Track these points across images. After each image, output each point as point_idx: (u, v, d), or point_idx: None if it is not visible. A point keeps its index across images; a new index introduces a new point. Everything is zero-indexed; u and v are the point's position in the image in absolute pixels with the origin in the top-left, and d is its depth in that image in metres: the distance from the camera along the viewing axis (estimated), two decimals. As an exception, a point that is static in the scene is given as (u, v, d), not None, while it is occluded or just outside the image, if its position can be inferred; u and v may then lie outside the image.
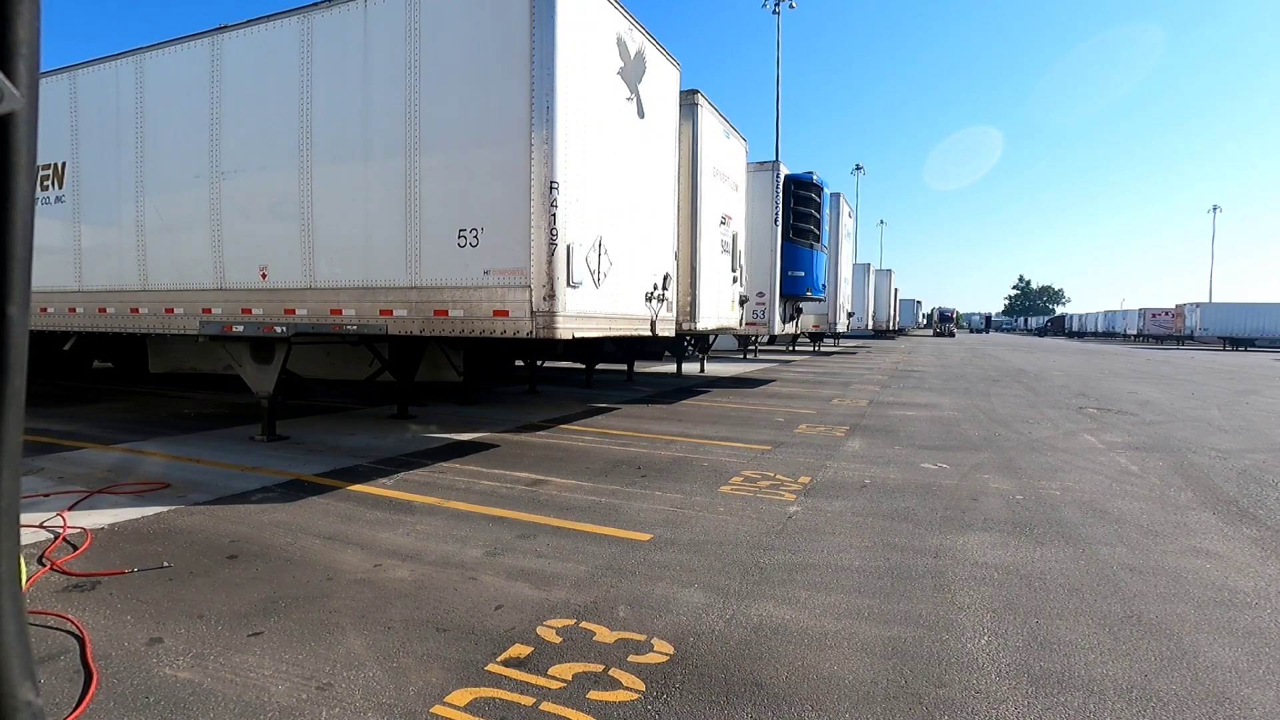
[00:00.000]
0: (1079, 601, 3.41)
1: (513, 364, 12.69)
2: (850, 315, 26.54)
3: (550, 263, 5.72)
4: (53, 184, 8.44)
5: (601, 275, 6.54)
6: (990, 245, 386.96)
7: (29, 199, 0.45)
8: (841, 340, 39.93)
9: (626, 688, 2.55)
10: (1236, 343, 46.43)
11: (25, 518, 4.27)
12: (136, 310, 7.93)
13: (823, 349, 30.81)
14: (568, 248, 5.86)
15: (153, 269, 7.76)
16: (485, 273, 5.90)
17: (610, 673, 2.66)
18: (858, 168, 60.78)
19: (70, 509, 4.62)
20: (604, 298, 6.61)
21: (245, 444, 7.02)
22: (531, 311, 5.73)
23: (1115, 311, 69.18)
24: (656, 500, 5.14)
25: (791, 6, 30.34)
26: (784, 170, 14.32)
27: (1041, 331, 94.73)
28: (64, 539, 4.04)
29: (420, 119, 6.12)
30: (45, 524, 4.28)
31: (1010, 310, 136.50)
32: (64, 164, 8.36)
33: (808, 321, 20.14)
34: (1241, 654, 2.90)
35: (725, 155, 11.09)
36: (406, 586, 3.46)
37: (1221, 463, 6.89)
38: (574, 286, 5.99)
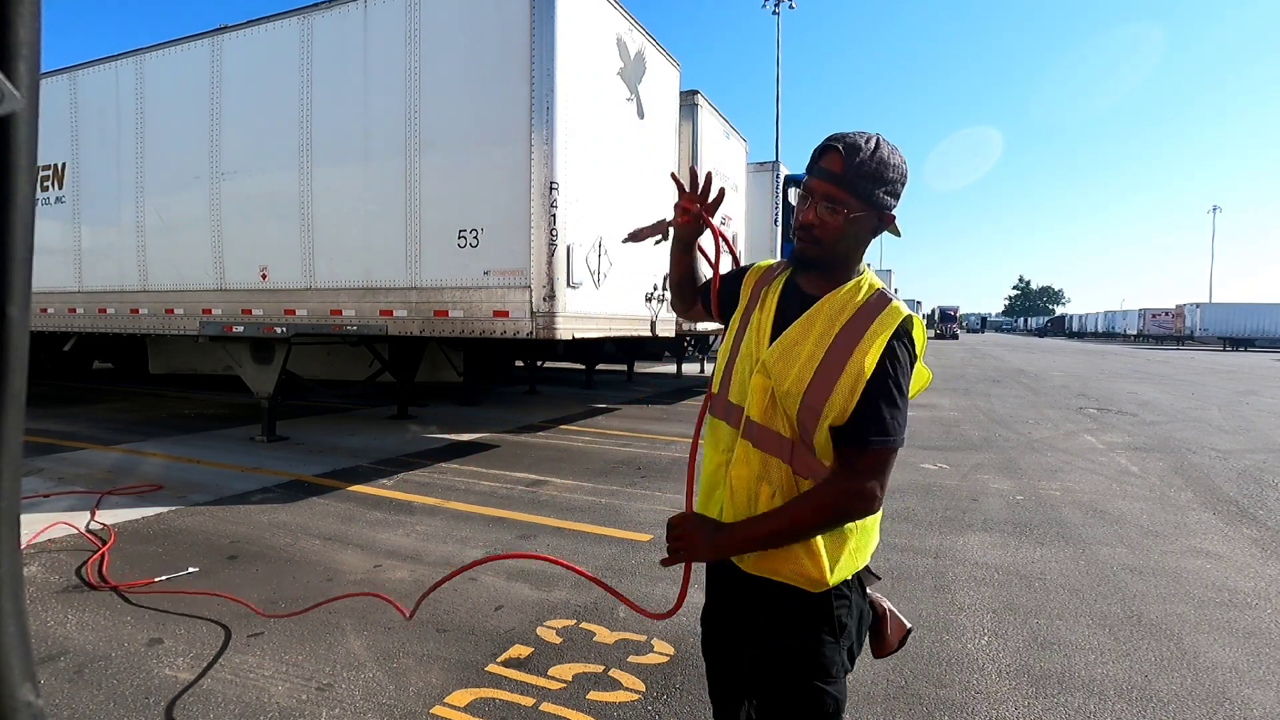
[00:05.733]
0: (1079, 602, 3.41)
1: (513, 364, 12.69)
2: (850, 316, 26.38)
3: (550, 263, 5.71)
4: (53, 184, 8.44)
5: (601, 275, 6.54)
6: (990, 245, 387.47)
7: (29, 199, 0.45)
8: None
9: (626, 688, 2.55)
10: (1236, 343, 46.38)
11: (32, 518, 4.26)
12: (137, 311, 7.93)
13: (823, 349, 30.74)
14: (568, 248, 5.86)
15: (153, 269, 7.76)
16: (485, 273, 5.89)
17: (610, 673, 2.66)
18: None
19: (70, 510, 4.62)
20: (604, 298, 6.61)
21: (245, 444, 7.02)
22: (531, 312, 5.73)
23: (1115, 312, 69.08)
24: (657, 501, 5.14)
25: (791, 7, 30.27)
26: (784, 171, 14.30)
27: (1041, 332, 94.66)
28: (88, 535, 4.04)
29: (420, 119, 6.12)
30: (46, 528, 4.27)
31: (1010, 310, 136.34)
32: (64, 164, 8.36)
33: (808, 322, 20.09)
34: (1241, 654, 2.90)
35: (725, 155, 11.09)
36: (407, 587, 3.46)
37: (1221, 463, 6.89)
38: (574, 287, 5.99)
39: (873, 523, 1.38)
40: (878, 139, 1.31)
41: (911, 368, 1.32)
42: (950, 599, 3.42)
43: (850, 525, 1.32)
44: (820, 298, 1.34)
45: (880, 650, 1.48)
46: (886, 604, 1.49)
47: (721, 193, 1.55)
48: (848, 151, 1.28)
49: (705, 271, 1.70)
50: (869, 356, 1.26)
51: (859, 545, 1.35)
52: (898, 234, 1.39)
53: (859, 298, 1.32)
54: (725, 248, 1.61)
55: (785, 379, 1.31)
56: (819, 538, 1.29)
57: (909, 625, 1.49)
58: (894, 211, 1.35)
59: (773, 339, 1.37)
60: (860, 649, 1.43)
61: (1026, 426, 9.06)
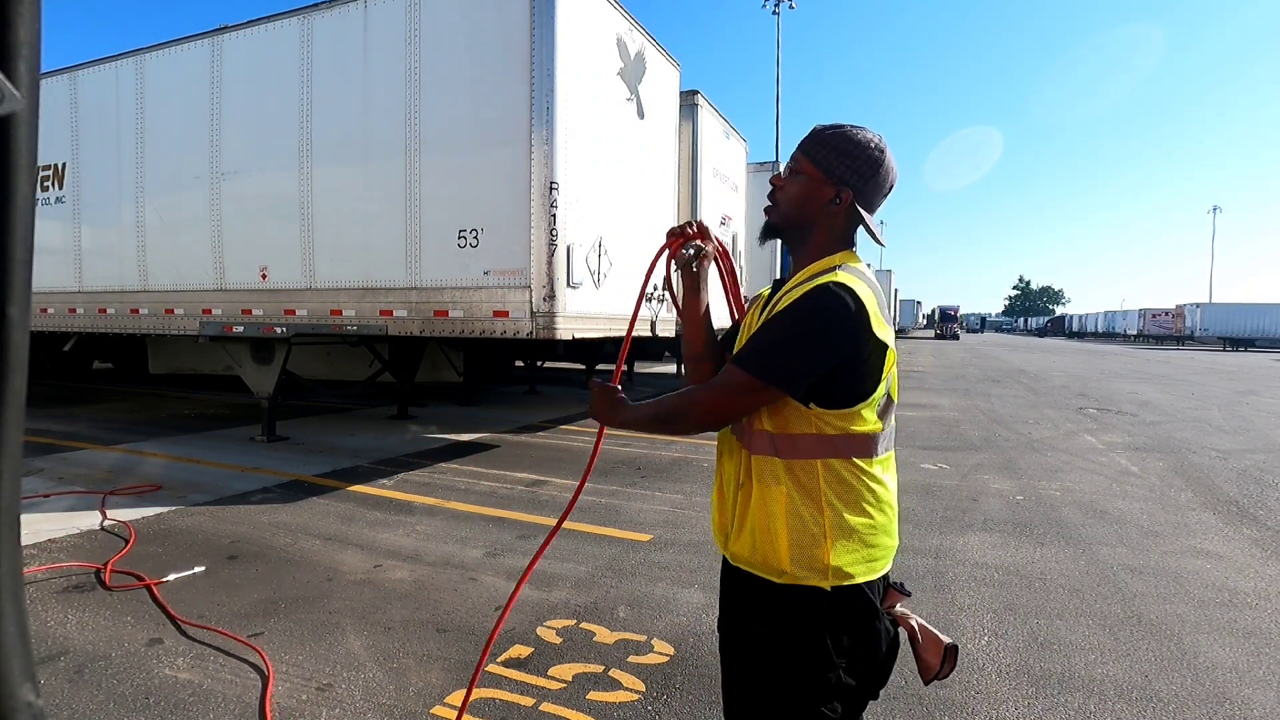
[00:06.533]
0: (1079, 602, 3.41)
1: (513, 364, 12.69)
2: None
3: (550, 263, 5.71)
4: (53, 184, 8.44)
5: (601, 276, 6.53)
6: (990, 245, 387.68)
7: (29, 199, 0.45)
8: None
9: (626, 688, 2.55)
10: (1236, 343, 46.36)
11: (37, 518, 4.26)
12: (137, 311, 7.93)
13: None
14: (568, 248, 5.86)
15: (153, 269, 7.76)
16: (485, 273, 5.89)
17: (610, 673, 2.66)
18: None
19: (71, 510, 4.62)
20: (604, 298, 6.60)
21: (245, 444, 7.02)
22: (531, 312, 5.73)
23: (1115, 312, 69.10)
24: (656, 501, 5.14)
25: (791, 7, 30.27)
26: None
27: (1041, 332, 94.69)
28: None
29: (420, 119, 6.12)
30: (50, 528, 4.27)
31: (1010, 310, 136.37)
32: (64, 164, 8.36)
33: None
34: (1242, 654, 2.90)
35: (725, 155, 11.08)
36: (406, 587, 3.46)
37: (1221, 463, 6.89)
38: (574, 287, 5.99)
39: (858, 523, 1.27)
40: (861, 127, 1.34)
41: (834, 326, 1.21)
42: (950, 599, 3.42)
43: (815, 518, 1.25)
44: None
45: (923, 673, 1.38)
46: (915, 621, 1.39)
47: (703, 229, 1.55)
48: (819, 127, 1.35)
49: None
50: (783, 303, 1.27)
51: (840, 550, 1.25)
52: (869, 230, 1.34)
53: (815, 269, 1.31)
54: (727, 269, 1.60)
55: None
56: (779, 523, 1.26)
57: (948, 640, 1.37)
58: (856, 193, 1.31)
59: None
60: (885, 673, 1.35)
61: (1026, 426, 9.06)
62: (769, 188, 1.43)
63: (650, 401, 1.39)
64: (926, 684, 1.40)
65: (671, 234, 1.55)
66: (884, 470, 1.32)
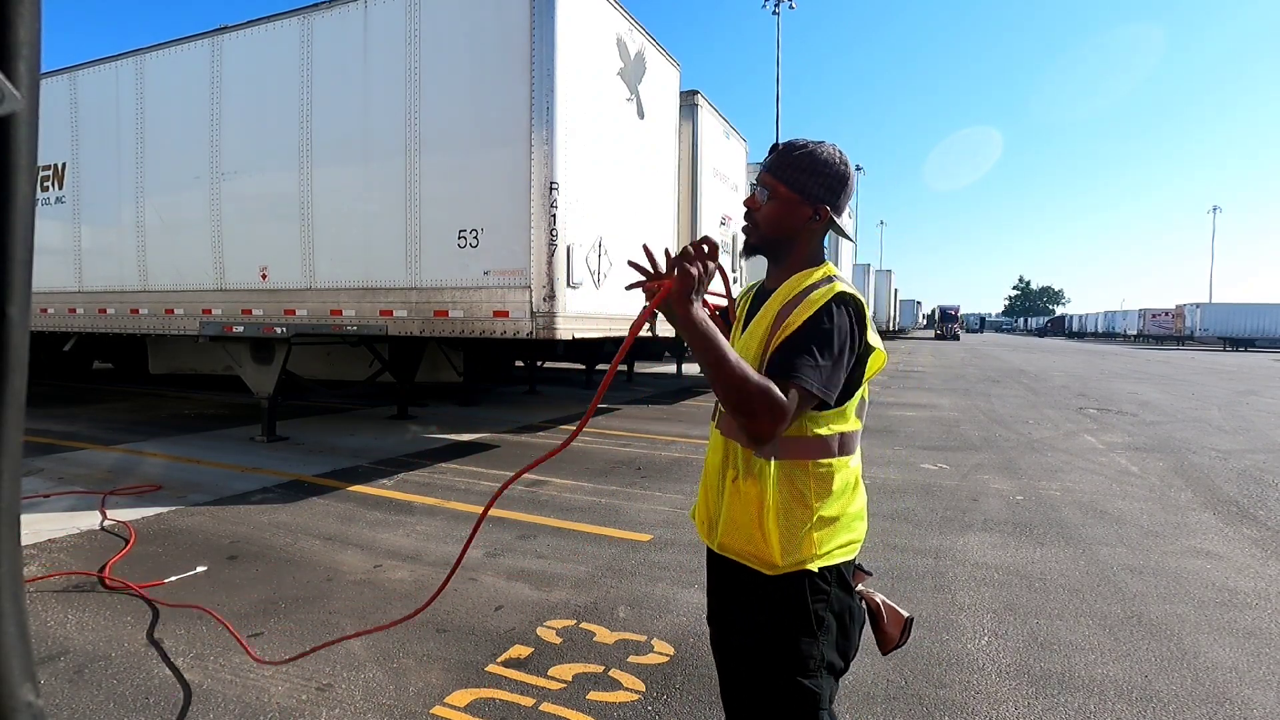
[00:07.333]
0: (1079, 602, 3.41)
1: (513, 364, 12.69)
2: (850, 316, 26.39)
3: (550, 263, 5.71)
4: (53, 184, 8.44)
5: (601, 276, 6.53)
6: (990, 245, 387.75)
7: (29, 199, 0.45)
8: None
9: (627, 689, 2.55)
10: (1236, 343, 46.37)
11: (37, 518, 4.26)
12: (136, 311, 7.93)
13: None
14: (568, 248, 5.86)
15: (153, 270, 7.76)
16: (485, 273, 5.89)
17: (610, 673, 2.66)
18: (857, 168, 60.82)
19: (71, 510, 4.62)
20: (604, 298, 6.60)
21: (245, 444, 7.02)
22: (531, 312, 5.73)
23: (1115, 312, 69.17)
24: (656, 501, 5.14)
25: (791, 7, 30.29)
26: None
27: (1041, 332, 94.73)
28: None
29: (420, 119, 6.12)
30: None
31: (1010, 310, 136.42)
32: (64, 164, 8.36)
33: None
34: (1242, 655, 2.90)
35: (725, 156, 11.09)
36: (406, 587, 3.46)
37: (1222, 463, 6.89)
38: (574, 287, 5.99)
39: (840, 513, 1.39)
40: (821, 143, 1.43)
41: (852, 335, 1.31)
42: (950, 599, 3.42)
43: (804, 515, 1.35)
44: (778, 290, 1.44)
45: (883, 644, 1.51)
46: (879, 598, 1.53)
47: (710, 244, 1.30)
48: (783, 146, 1.43)
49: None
50: (801, 316, 1.32)
51: (825, 538, 1.37)
52: (843, 234, 1.51)
53: (808, 281, 1.38)
54: (723, 294, 1.64)
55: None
56: (770, 521, 1.34)
57: (907, 614, 1.52)
58: (831, 207, 1.40)
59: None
60: (854, 648, 1.45)
61: (1026, 426, 9.06)
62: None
63: (727, 346, 1.23)
64: (885, 654, 1.55)
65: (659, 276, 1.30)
66: (858, 462, 1.46)
